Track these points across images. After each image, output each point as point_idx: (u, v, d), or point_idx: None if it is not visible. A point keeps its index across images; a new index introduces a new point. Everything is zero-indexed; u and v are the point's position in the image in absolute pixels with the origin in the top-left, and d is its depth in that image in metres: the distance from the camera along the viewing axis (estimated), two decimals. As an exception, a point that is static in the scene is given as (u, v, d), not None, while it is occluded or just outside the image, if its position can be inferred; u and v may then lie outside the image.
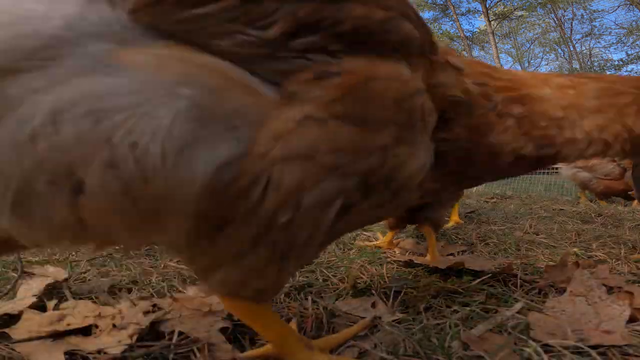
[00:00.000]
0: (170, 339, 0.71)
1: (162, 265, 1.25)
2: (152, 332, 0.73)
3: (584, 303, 0.79)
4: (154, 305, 0.86)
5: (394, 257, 1.31)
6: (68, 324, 0.70)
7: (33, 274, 1.11)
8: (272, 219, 0.40)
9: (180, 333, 0.73)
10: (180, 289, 0.99)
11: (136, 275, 1.13)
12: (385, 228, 1.57)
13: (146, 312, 0.79)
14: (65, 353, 0.64)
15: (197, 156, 0.35)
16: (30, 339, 0.66)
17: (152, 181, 0.35)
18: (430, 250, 1.31)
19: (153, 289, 1.01)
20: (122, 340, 0.67)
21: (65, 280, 1.08)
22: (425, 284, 0.98)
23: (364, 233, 1.81)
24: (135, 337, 0.69)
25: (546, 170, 5.96)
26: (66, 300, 0.88)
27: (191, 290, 0.99)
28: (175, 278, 1.11)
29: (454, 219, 2.05)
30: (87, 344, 0.67)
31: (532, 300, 0.89)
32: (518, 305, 0.84)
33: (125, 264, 1.25)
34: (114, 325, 0.71)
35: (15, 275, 1.12)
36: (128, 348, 0.67)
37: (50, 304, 0.80)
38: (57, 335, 0.68)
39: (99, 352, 0.66)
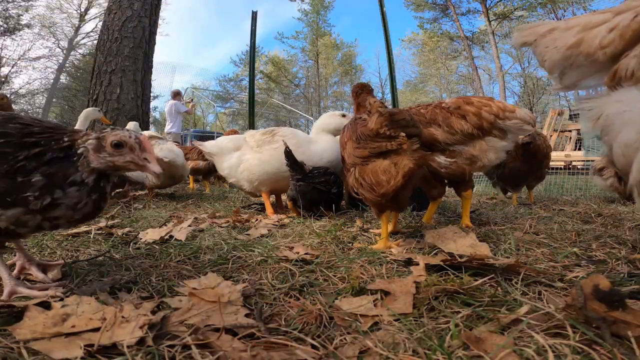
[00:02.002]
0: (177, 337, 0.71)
1: (162, 265, 1.26)
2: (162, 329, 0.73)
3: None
4: (158, 305, 0.87)
5: (393, 256, 1.31)
6: (73, 326, 0.70)
7: (35, 274, 1.11)
8: None
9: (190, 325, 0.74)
10: (182, 284, 0.99)
11: (136, 275, 1.14)
12: (375, 215, 1.65)
13: (153, 312, 0.79)
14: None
15: None
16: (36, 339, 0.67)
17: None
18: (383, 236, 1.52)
19: (153, 289, 1.01)
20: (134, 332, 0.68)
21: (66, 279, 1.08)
22: (426, 284, 0.98)
23: (364, 234, 1.81)
24: (146, 328, 0.69)
25: (547, 170, 5.95)
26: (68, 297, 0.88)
27: (194, 283, 0.99)
28: (175, 277, 1.12)
29: (466, 222, 1.95)
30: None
31: (532, 301, 0.89)
32: (524, 309, 0.84)
33: (125, 264, 1.26)
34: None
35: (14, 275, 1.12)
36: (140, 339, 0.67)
37: (56, 304, 0.80)
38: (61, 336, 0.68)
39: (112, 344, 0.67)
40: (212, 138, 4.37)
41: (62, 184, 0.89)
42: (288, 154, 2.34)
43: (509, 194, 3.48)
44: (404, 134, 1.36)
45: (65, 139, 0.93)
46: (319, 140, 2.79)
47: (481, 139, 1.83)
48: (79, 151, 0.94)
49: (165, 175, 3.27)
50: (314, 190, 2.36)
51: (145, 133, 3.73)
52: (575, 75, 0.93)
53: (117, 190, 3.96)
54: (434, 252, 1.33)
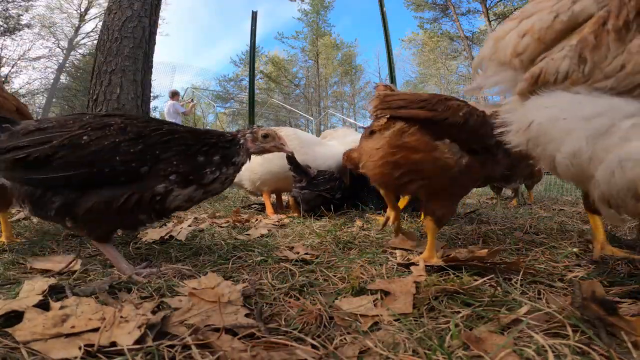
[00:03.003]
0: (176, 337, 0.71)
1: (162, 265, 1.26)
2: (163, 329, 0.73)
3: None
4: (158, 305, 0.87)
5: (394, 257, 1.31)
6: (72, 326, 0.70)
7: (35, 274, 1.11)
8: None
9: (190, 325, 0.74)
10: (182, 284, 0.99)
11: (137, 274, 1.14)
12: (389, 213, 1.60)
13: (153, 312, 0.79)
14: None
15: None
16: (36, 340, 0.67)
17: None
18: (428, 247, 1.28)
19: (153, 289, 1.01)
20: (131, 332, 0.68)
21: (67, 278, 1.08)
22: (426, 284, 0.98)
23: (364, 231, 1.81)
24: (144, 329, 0.69)
25: (547, 171, 5.93)
26: (67, 297, 0.88)
27: (194, 283, 0.99)
28: (175, 277, 1.12)
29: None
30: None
31: (532, 300, 0.89)
32: (524, 309, 0.84)
33: (126, 263, 1.25)
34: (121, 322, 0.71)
35: (15, 275, 1.12)
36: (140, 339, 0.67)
37: (55, 304, 0.80)
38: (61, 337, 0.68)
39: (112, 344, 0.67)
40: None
41: (228, 162, 1.26)
42: (290, 159, 2.33)
43: (511, 193, 3.47)
44: (387, 116, 1.22)
45: (228, 135, 1.33)
46: (327, 144, 2.80)
47: None
48: (240, 142, 1.33)
49: None
50: (319, 197, 2.35)
51: None
52: (491, 80, 0.91)
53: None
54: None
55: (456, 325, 0.77)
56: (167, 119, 9.04)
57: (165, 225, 1.99)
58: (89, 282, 1.08)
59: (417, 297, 0.92)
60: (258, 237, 1.75)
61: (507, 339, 0.69)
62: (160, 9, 5.80)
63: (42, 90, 22.62)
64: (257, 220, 2.32)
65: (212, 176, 1.20)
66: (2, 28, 20.50)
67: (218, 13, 59.04)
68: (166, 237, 1.67)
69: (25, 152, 1.02)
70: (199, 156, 1.18)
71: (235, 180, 2.91)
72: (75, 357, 0.63)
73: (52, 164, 1.03)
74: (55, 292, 0.96)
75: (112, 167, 1.05)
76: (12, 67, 21.25)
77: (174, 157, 1.12)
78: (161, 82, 15.54)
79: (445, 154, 1.20)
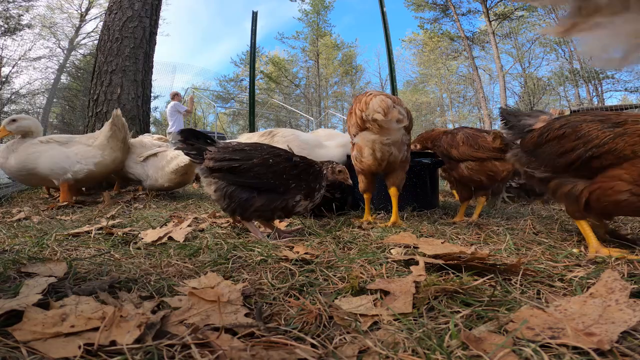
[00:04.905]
0: (175, 336, 0.71)
1: (162, 265, 1.26)
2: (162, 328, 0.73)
3: (596, 304, 0.77)
4: (158, 305, 0.87)
5: (393, 256, 1.30)
6: (72, 326, 0.70)
7: (35, 274, 1.11)
8: None
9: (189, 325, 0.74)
10: (182, 284, 0.99)
11: (136, 274, 1.14)
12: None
13: (153, 311, 0.79)
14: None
15: None
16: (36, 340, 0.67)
17: None
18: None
19: (153, 288, 1.01)
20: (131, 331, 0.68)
21: (66, 278, 1.08)
22: (425, 284, 0.98)
23: (363, 230, 1.81)
24: (143, 328, 0.69)
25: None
26: (66, 296, 0.88)
27: (194, 283, 0.99)
28: (175, 277, 1.12)
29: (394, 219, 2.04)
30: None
31: (531, 300, 0.89)
32: (523, 308, 0.84)
33: (125, 263, 1.26)
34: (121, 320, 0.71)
35: (14, 274, 1.12)
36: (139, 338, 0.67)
37: (55, 303, 0.80)
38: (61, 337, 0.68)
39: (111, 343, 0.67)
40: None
41: (314, 185, 1.79)
42: None
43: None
44: None
45: (317, 167, 1.84)
46: (328, 146, 2.80)
47: (359, 135, 1.93)
48: (324, 172, 1.84)
49: (188, 176, 3.37)
50: None
51: (155, 137, 3.76)
52: None
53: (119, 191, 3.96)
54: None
55: (455, 325, 0.77)
56: (169, 119, 9.05)
57: (166, 225, 1.99)
58: (88, 281, 1.08)
59: (416, 296, 0.92)
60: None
61: (506, 339, 0.69)
62: (160, 9, 5.80)
63: (42, 90, 22.60)
64: (257, 220, 2.32)
65: (317, 194, 1.80)
66: (2, 28, 20.51)
67: (218, 13, 59.10)
68: (166, 237, 1.68)
69: (238, 163, 1.65)
70: (312, 183, 1.78)
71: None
72: (75, 356, 0.63)
73: (251, 173, 1.65)
74: (55, 291, 0.96)
75: (280, 180, 1.68)
76: (13, 67, 21.26)
77: (304, 182, 1.74)
78: (161, 82, 15.55)
79: None
